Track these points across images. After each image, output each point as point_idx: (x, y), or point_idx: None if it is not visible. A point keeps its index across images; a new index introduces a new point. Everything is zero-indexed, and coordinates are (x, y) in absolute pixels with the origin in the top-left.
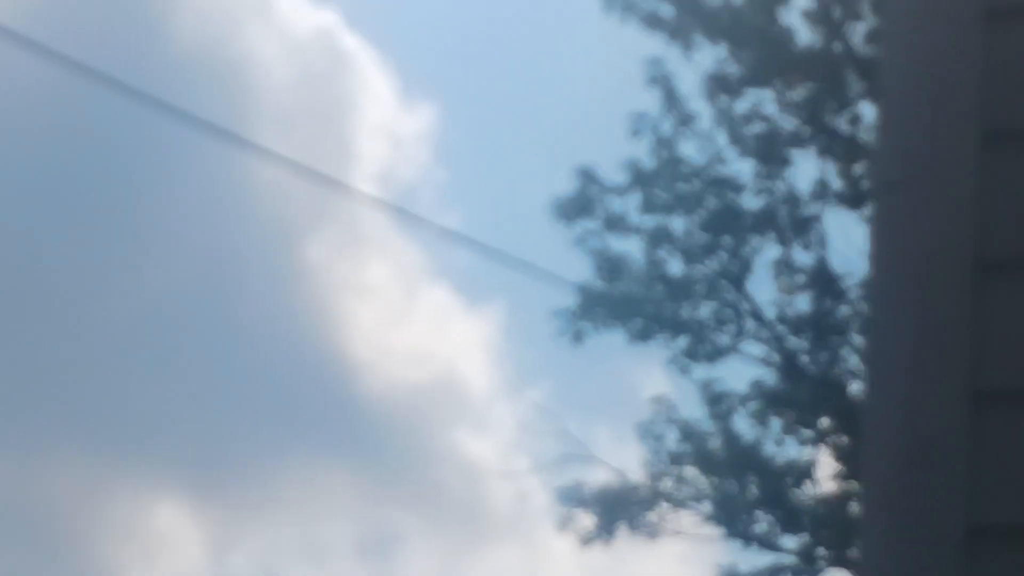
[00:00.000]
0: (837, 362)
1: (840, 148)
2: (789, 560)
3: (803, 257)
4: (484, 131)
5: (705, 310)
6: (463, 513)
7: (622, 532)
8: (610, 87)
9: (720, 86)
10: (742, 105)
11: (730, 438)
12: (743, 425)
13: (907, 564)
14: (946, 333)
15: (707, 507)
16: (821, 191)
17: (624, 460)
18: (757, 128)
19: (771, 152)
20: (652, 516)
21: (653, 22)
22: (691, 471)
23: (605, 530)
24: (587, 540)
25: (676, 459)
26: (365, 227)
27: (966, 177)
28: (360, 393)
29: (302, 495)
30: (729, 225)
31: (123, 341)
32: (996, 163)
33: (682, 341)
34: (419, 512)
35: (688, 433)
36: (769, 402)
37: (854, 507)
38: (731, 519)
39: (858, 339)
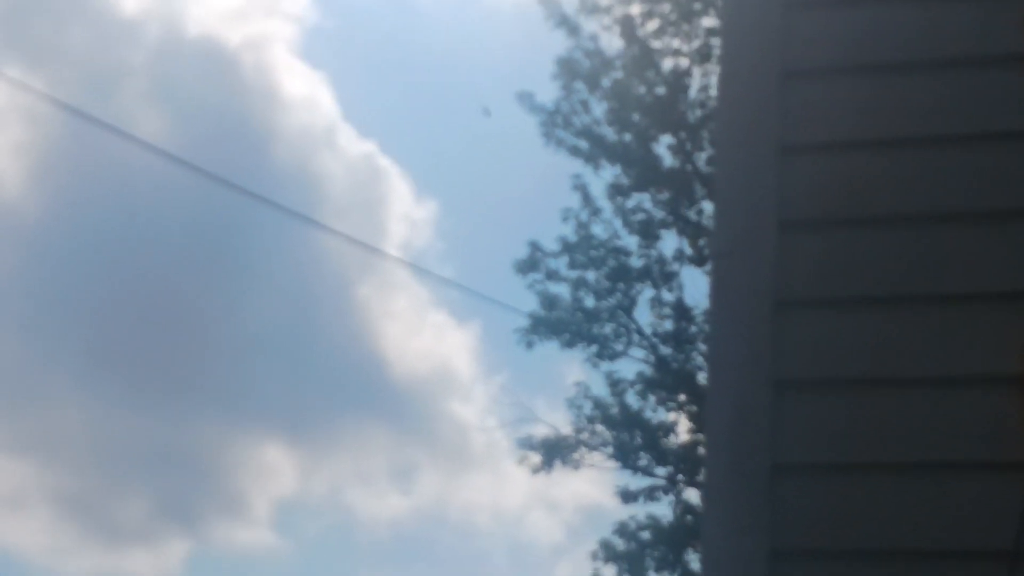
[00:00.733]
0: (689, 360)
1: (691, 230)
2: (660, 483)
3: (668, 296)
4: (468, 216)
5: (608, 328)
6: (456, 453)
7: (557, 466)
8: (548, 192)
9: (616, 191)
10: (630, 203)
11: (623, 407)
12: (632, 399)
13: (730, 489)
14: (755, 340)
15: (610, 450)
16: (679, 256)
17: (558, 420)
18: (639, 217)
19: (648, 232)
20: (576, 455)
21: (575, 152)
22: (600, 427)
23: (547, 464)
24: (535, 471)
25: (590, 420)
26: (393, 276)
27: (768, 249)
28: (391, 378)
29: (355, 441)
30: (622, 276)
31: (247, 345)
32: (789, 241)
33: (594, 348)
34: (428, 452)
35: (598, 404)
36: (647, 385)
37: (700, 451)
38: (625, 457)
39: (701, 347)
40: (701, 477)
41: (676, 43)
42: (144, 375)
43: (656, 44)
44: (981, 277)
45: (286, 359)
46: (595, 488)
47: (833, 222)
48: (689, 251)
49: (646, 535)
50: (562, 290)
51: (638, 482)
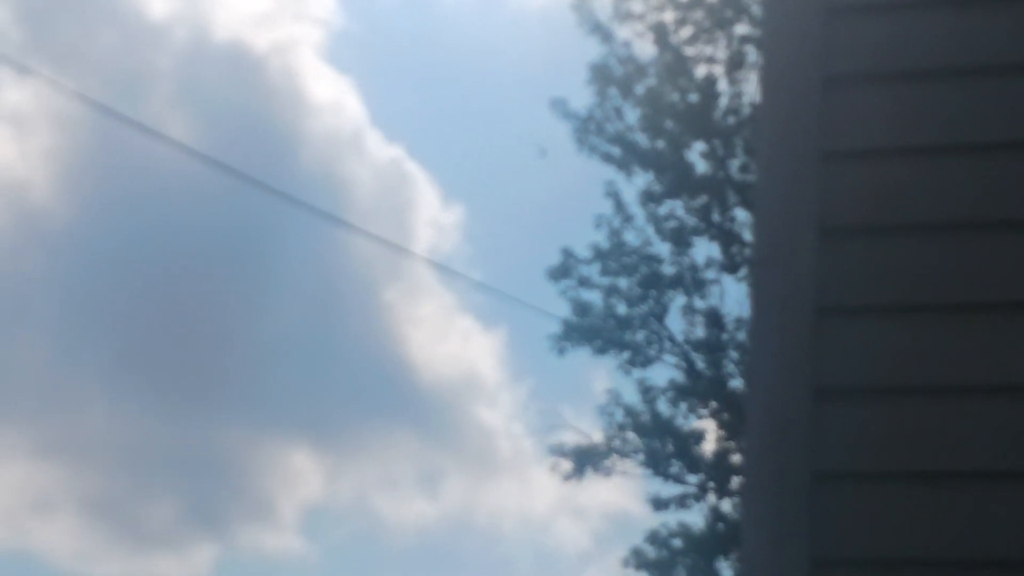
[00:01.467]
0: (721, 368)
1: (722, 237)
2: (691, 491)
3: (700, 304)
4: (496, 223)
5: (640, 335)
6: (482, 459)
7: (588, 473)
8: (582, 198)
9: (649, 198)
10: (663, 210)
11: (655, 414)
12: (663, 406)
13: (770, 497)
14: (795, 348)
15: (641, 457)
16: (711, 263)
17: (584, 427)
18: (672, 224)
19: (680, 239)
20: (607, 463)
21: (608, 158)
22: (631, 435)
23: (578, 471)
24: (567, 478)
25: (622, 427)
26: (420, 281)
27: (808, 256)
28: (418, 383)
29: (382, 446)
30: (654, 284)
31: (274, 349)
32: (829, 248)
33: (625, 355)
34: (455, 458)
35: (629, 411)
36: (679, 392)
37: (732, 458)
38: (656, 464)
39: (733, 354)
40: (732, 485)
41: (709, 50)
42: (172, 379)
43: (689, 51)
44: None
45: (313, 363)
46: (622, 495)
47: (874, 229)
48: (721, 258)
49: (677, 543)
50: (594, 297)
51: (669, 490)
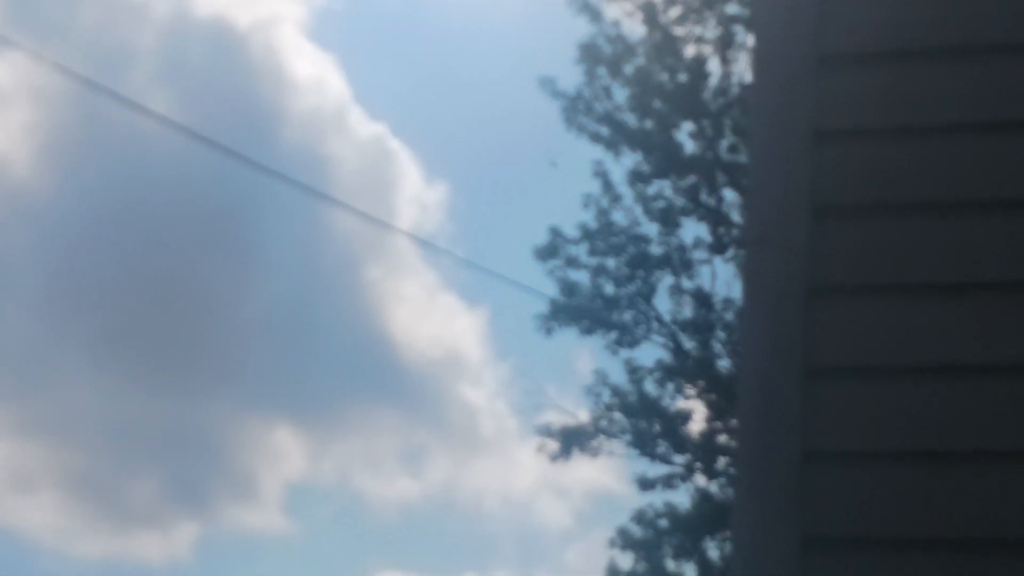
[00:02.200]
0: (708, 348)
1: (711, 217)
2: (677, 471)
3: (687, 284)
4: (481, 201)
5: (627, 315)
6: (465, 437)
7: (575, 453)
8: (569, 177)
9: (637, 178)
10: (651, 190)
11: (642, 395)
12: (650, 386)
13: (761, 476)
14: (787, 327)
15: (627, 437)
16: (698, 243)
17: (575, 407)
18: (660, 204)
19: (668, 219)
20: (594, 443)
21: (596, 138)
22: (618, 415)
23: (565, 452)
24: (553, 458)
25: (609, 407)
26: (403, 259)
27: (800, 235)
28: (401, 361)
29: (365, 424)
30: (642, 264)
31: (256, 326)
32: (822, 227)
33: (613, 335)
34: (438, 436)
35: (616, 391)
36: (666, 373)
37: (719, 438)
38: (642, 445)
39: (721, 335)
40: (719, 465)
41: (698, 30)
42: (154, 356)
43: (678, 31)
44: (1018, 264)
45: (296, 341)
46: (605, 475)
47: (867, 209)
48: (709, 239)
49: (664, 523)
50: (582, 276)
51: (656, 470)
